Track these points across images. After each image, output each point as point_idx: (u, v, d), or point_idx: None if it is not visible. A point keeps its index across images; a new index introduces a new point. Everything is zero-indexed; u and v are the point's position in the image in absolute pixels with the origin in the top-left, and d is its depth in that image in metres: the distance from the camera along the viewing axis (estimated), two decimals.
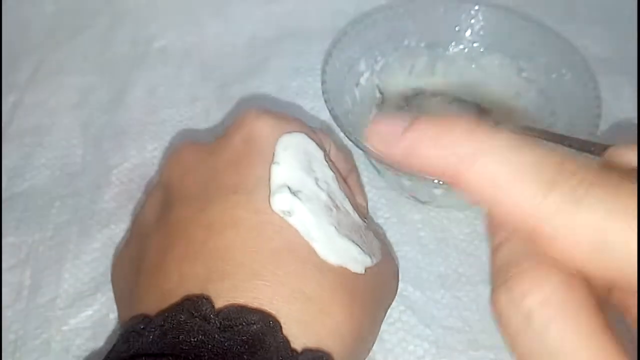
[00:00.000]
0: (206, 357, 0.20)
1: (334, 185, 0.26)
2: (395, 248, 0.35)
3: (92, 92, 0.45)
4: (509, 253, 0.15)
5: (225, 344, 0.20)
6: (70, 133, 0.42)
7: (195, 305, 0.21)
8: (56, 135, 0.42)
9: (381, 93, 0.40)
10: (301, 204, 0.24)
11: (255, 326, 0.21)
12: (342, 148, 0.32)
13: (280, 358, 0.21)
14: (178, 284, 0.23)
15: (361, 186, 0.34)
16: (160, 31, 0.49)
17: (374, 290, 0.26)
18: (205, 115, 0.43)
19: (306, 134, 0.27)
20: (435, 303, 0.33)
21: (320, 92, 0.34)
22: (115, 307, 0.29)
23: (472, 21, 0.40)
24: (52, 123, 0.42)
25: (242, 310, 0.21)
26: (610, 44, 0.46)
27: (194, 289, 0.22)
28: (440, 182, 0.31)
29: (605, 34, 0.47)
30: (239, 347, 0.20)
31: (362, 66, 0.39)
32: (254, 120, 0.27)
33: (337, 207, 0.26)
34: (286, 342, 0.21)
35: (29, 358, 0.31)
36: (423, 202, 0.36)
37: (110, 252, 0.35)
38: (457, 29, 0.41)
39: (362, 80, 0.39)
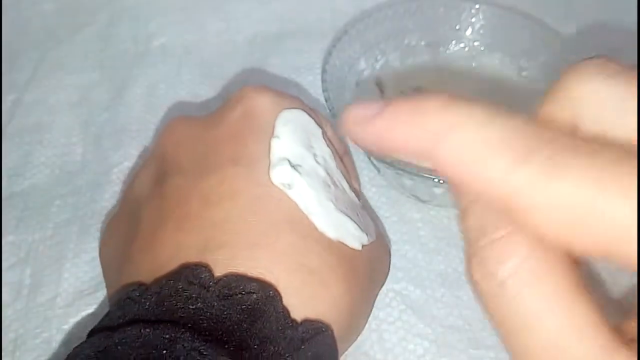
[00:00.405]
0: (205, 325, 0.20)
1: (332, 163, 0.26)
2: (396, 247, 0.35)
3: (92, 90, 0.44)
4: (478, 218, 0.15)
5: (225, 312, 0.20)
6: (70, 131, 0.42)
7: (193, 273, 0.21)
8: (56, 134, 0.42)
9: (382, 92, 0.40)
10: (301, 178, 0.24)
11: (255, 295, 0.21)
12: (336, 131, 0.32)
13: (280, 327, 0.20)
14: (174, 253, 0.22)
15: (355, 169, 0.34)
16: (160, 29, 0.49)
17: (370, 268, 0.26)
18: (205, 113, 0.42)
19: (305, 111, 0.27)
20: (435, 302, 0.33)
21: (321, 91, 0.34)
22: None
23: (473, 20, 0.40)
24: (52, 121, 0.42)
25: (241, 279, 0.21)
26: (610, 44, 0.46)
27: (190, 258, 0.22)
28: (441, 181, 0.31)
29: (606, 34, 0.47)
30: (238, 315, 0.20)
31: (363, 65, 0.39)
32: (253, 95, 0.26)
33: (334, 184, 0.25)
34: (286, 312, 0.21)
35: (29, 357, 0.31)
36: (423, 201, 0.36)
37: None
38: (457, 27, 0.41)
39: (363, 79, 0.39)
